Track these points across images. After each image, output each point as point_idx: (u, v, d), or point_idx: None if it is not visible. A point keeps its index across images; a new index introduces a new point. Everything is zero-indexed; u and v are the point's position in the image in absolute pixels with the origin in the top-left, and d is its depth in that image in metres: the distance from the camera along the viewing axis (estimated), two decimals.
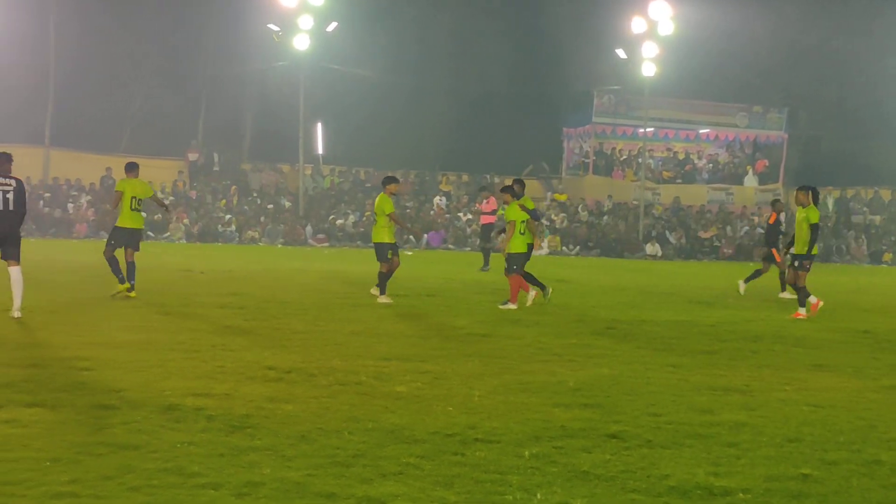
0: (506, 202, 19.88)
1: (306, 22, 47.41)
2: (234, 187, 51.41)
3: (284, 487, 6.71)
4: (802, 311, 19.00)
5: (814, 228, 18.93)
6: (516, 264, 19.28)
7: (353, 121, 53.73)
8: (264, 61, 52.16)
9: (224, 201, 50.29)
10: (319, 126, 53.00)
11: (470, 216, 49.09)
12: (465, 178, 55.55)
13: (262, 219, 48.42)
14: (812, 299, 19.18)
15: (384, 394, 9.89)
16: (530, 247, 19.94)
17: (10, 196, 15.70)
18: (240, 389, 9.82)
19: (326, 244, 45.99)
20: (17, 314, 15.09)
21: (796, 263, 19.15)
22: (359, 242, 46.04)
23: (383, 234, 19.87)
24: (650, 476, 7.31)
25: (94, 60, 53.82)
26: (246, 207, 49.77)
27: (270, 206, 49.60)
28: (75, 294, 18.82)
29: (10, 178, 15.94)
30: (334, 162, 54.79)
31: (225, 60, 54.72)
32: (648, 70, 49.92)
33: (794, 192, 19.95)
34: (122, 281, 18.65)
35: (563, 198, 53.99)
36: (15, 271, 15.55)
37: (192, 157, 53.72)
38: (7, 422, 8.15)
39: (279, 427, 8.31)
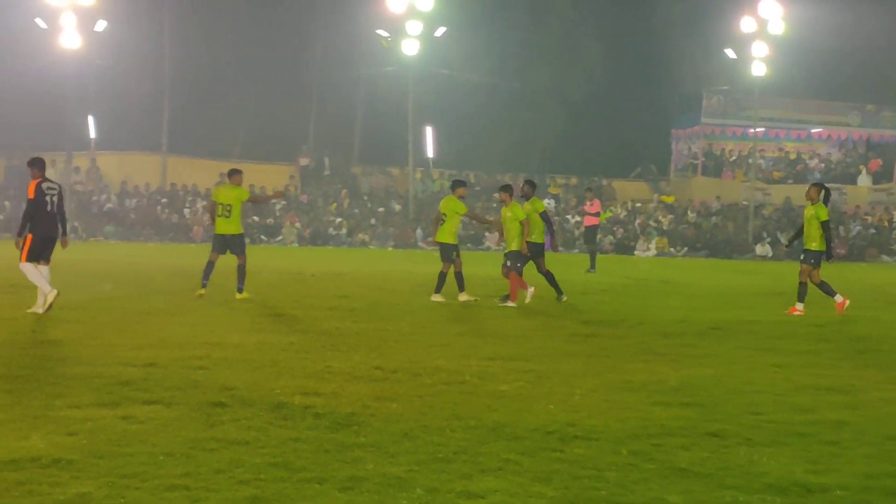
0: (503, 201, 20.35)
1: (415, 27, 47.81)
2: (344, 191, 52.04)
3: (387, 482, 6.91)
4: (800, 307, 18.90)
5: (824, 226, 18.98)
6: (518, 262, 19.77)
7: (461, 124, 53.99)
8: (374, 66, 52.70)
9: (335, 205, 50.93)
10: (429, 130, 53.36)
11: (578, 218, 49.03)
12: (573, 180, 55.52)
13: (373, 222, 48.93)
14: (838, 298, 19.07)
15: (487, 392, 10.06)
16: (537, 245, 20.22)
17: (56, 199, 16.50)
18: (347, 388, 10.07)
19: (436, 247, 46.29)
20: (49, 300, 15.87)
21: (813, 261, 19.07)
22: (469, 245, 46.26)
23: (448, 236, 20.44)
24: (748, 473, 7.37)
25: (208, 68, 54.92)
26: (356, 211, 50.34)
27: (381, 210, 50.11)
28: (191, 297, 19.30)
29: (54, 182, 16.79)
30: (444, 165, 55.11)
31: (335, 66, 55.39)
32: (758, 70, 49.43)
33: (807, 188, 19.94)
34: (203, 286, 19.25)
35: (670, 199, 53.68)
36: (45, 270, 16.38)
37: (304, 161, 54.50)
38: (124, 418, 8.49)
39: (383, 425, 8.52)
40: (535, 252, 20.26)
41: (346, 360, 11.80)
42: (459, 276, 20.10)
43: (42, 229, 16.36)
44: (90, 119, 51.26)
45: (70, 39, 46.90)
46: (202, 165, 53.76)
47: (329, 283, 23.46)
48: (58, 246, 16.72)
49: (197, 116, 55.13)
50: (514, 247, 19.78)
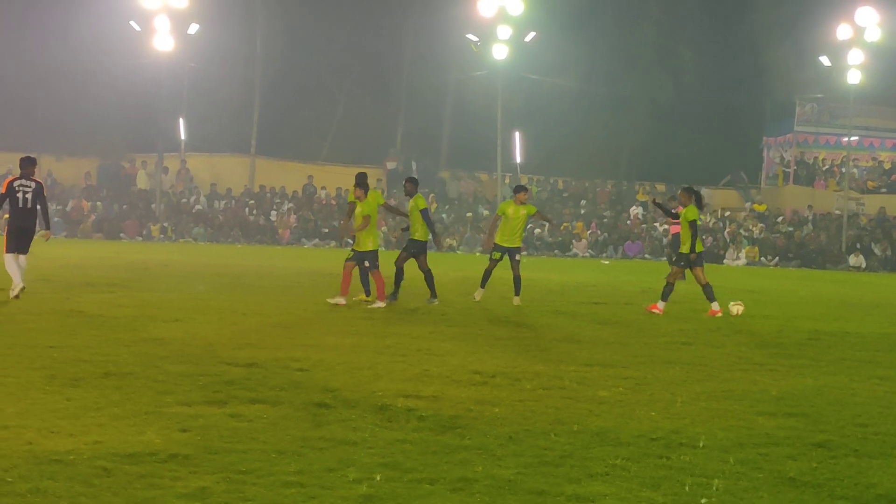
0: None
1: (504, 32, 47.83)
2: (431, 195, 52.18)
3: (497, 484, 6.97)
4: (661, 305, 19.27)
5: (692, 226, 19.21)
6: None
7: (550, 130, 53.87)
8: (463, 71, 52.79)
9: None
10: (517, 134, 53.35)
11: (666, 226, 48.78)
12: (660, 187, 55.20)
13: (460, 227, 49.02)
14: (715, 306, 19.26)
15: (588, 398, 10.08)
16: (420, 243, 20.39)
17: (29, 196, 18.05)
18: (447, 392, 10.14)
19: (524, 253, 46.25)
20: (15, 292, 17.39)
21: (683, 263, 19.49)
22: (556, 251, 46.22)
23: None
24: (858, 484, 7.32)
25: (298, 72, 55.43)
26: (444, 216, 50.47)
27: (469, 215, 50.18)
28: (283, 298, 19.52)
29: (32, 180, 18.19)
30: (532, 171, 55.05)
31: (424, 70, 55.56)
32: (854, 77, 48.72)
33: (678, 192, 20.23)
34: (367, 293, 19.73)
35: (762, 208, 53.14)
36: (22, 259, 18.02)
37: (391, 165, 54.74)
38: (233, 416, 8.64)
39: (488, 428, 8.58)
40: (418, 249, 20.30)
41: (444, 364, 11.87)
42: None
43: (13, 222, 18.16)
44: (181, 121, 51.98)
45: (163, 42, 47.60)
46: (290, 168, 54.29)
47: (420, 288, 23.51)
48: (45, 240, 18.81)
49: (286, 119, 55.67)
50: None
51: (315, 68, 56.09)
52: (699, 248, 19.43)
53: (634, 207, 51.77)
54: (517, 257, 21.14)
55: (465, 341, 14.14)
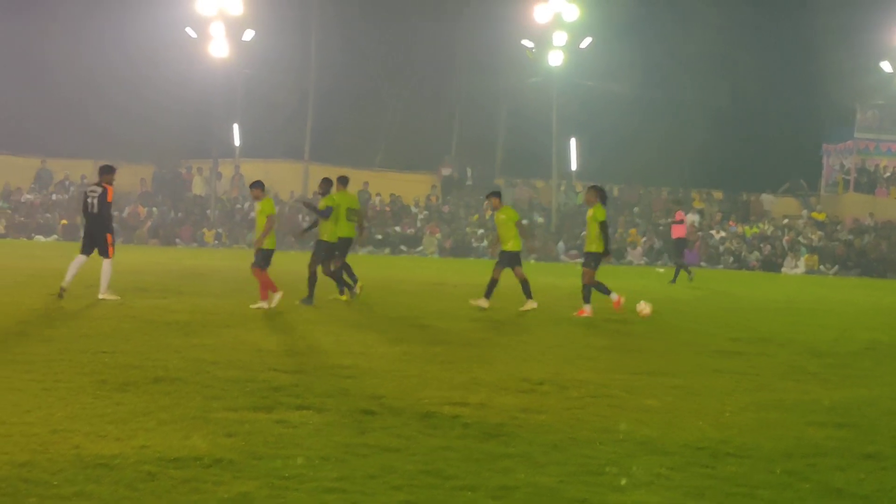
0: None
1: (560, 38, 47.74)
2: (486, 202, 52.14)
3: (538, 492, 6.95)
4: (587, 309, 19.21)
5: (602, 226, 19.33)
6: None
7: (606, 137, 53.74)
8: (518, 77, 52.74)
9: (476, 216, 51.07)
10: (572, 141, 53.23)
11: (723, 234, 48.48)
12: (717, 194, 54.83)
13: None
14: (613, 296, 19.49)
15: (635, 407, 10.03)
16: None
17: (95, 201, 18.61)
18: (494, 399, 10.12)
19: (578, 260, 46.13)
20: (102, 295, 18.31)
21: (593, 263, 19.50)
22: (611, 260, 45.96)
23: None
24: None
25: (352, 78, 55.66)
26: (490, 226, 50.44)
27: (524, 222, 50.09)
28: (333, 305, 19.59)
29: (101, 185, 18.78)
30: (587, 178, 54.85)
31: (479, 76, 55.57)
32: None
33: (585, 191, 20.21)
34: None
35: (821, 216, 52.60)
36: (105, 263, 18.74)
37: (446, 171, 54.80)
38: (279, 422, 8.68)
39: (532, 435, 8.56)
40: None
41: (492, 372, 11.85)
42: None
43: (85, 226, 19.27)
44: (235, 127, 52.34)
45: (218, 48, 47.97)
46: (344, 174, 54.42)
47: (471, 295, 23.51)
48: None
49: (340, 125, 55.91)
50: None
51: (369, 74, 56.30)
52: (601, 248, 19.53)
53: (691, 215, 51.37)
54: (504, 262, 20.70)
55: (514, 349, 14.12)
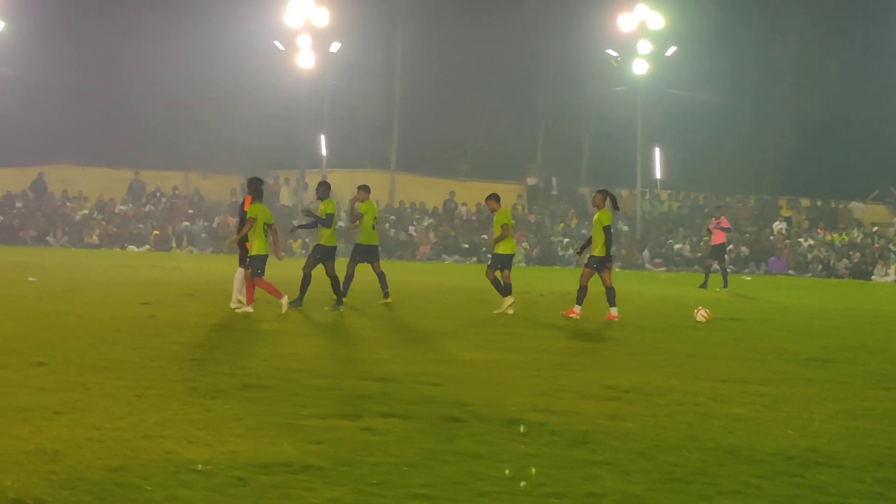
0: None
1: (645, 47, 47.56)
2: (571, 211, 52.07)
3: (625, 500, 6.94)
4: (614, 312, 19.36)
5: (606, 231, 19.45)
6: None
7: (690, 145, 53.36)
8: (602, 86, 52.61)
9: (562, 225, 51.02)
10: (657, 150, 52.93)
11: (811, 241, 47.85)
12: (805, 202, 54.15)
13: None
14: (613, 311, 19.39)
15: (722, 415, 9.95)
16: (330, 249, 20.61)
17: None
18: (580, 406, 10.11)
19: (664, 268, 45.89)
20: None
21: (595, 266, 19.56)
22: (696, 267, 45.64)
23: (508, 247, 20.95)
24: None
25: (438, 87, 55.87)
26: (584, 231, 50.29)
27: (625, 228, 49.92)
28: (419, 314, 19.68)
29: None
30: (672, 186, 54.56)
31: (563, 86, 55.50)
32: None
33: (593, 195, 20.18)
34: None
35: None
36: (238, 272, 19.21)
37: (531, 181, 54.82)
38: (366, 429, 8.75)
39: (619, 443, 8.53)
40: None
41: (578, 379, 11.84)
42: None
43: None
44: (322, 137, 52.79)
45: (305, 60, 48.47)
46: (430, 183, 54.70)
47: (557, 303, 23.52)
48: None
49: (426, 135, 56.14)
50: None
51: (455, 84, 56.46)
52: (602, 252, 19.61)
53: (778, 223, 50.82)
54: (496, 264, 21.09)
55: (600, 356, 14.10)
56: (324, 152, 53.18)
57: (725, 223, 32.25)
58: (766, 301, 26.60)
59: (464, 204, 52.94)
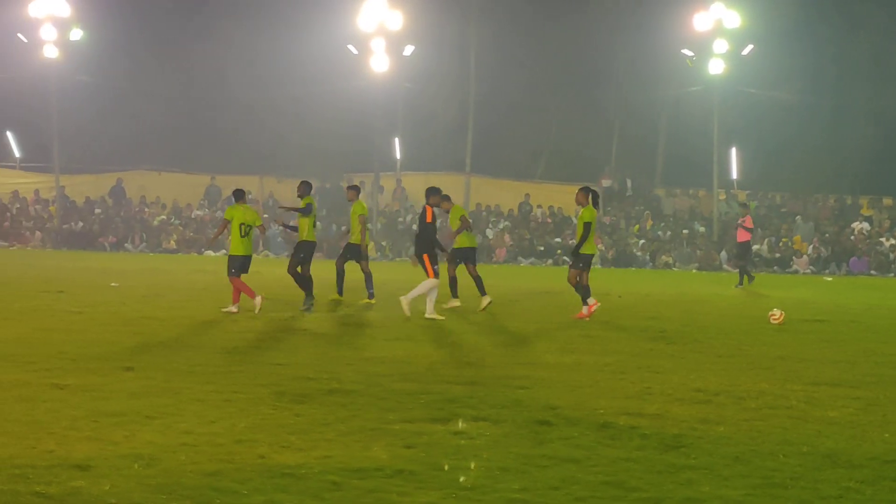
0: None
1: (721, 46, 47.11)
2: (647, 212, 51.72)
3: None
4: (585, 311, 19.25)
5: (585, 227, 19.45)
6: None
7: (768, 144, 52.66)
8: (678, 86, 52.20)
9: (637, 226, 50.69)
10: (733, 150, 52.39)
11: (894, 241, 47.10)
12: (887, 201, 53.28)
13: (676, 244, 48.44)
14: (590, 301, 19.35)
15: (816, 418, 9.78)
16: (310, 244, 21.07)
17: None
18: (670, 410, 10.00)
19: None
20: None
21: (581, 264, 19.61)
22: (775, 268, 45.16)
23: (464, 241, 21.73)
24: None
25: (511, 90, 55.78)
26: (659, 233, 49.96)
27: (685, 232, 49.54)
28: (500, 316, 19.62)
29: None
30: (749, 186, 53.91)
31: (638, 86, 55.12)
32: None
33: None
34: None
35: None
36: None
37: (606, 182, 54.48)
38: (456, 433, 8.71)
39: (713, 447, 8.42)
40: (310, 251, 20.85)
41: (665, 382, 11.72)
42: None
43: None
44: (396, 140, 52.90)
45: (379, 63, 48.60)
46: (505, 186, 54.57)
47: (637, 305, 23.37)
48: None
49: (500, 137, 56.02)
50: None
51: (529, 86, 56.33)
52: (591, 250, 19.71)
53: (859, 222, 50.04)
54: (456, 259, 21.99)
55: (685, 359, 13.93)
56: (398, 155, 53.28)
57: (749, 223, 32.15)
58: (850, 302, 26.18)
59: (539, 206, 52.77)
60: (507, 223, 51.35)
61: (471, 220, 22.50)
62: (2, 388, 10.35)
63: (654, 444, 8.49)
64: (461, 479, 7.29)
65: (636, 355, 14.19)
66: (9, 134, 55.08)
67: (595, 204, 19.79)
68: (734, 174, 52.92)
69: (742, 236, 32.20)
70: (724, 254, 46.72)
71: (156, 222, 52.09)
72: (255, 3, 53.72)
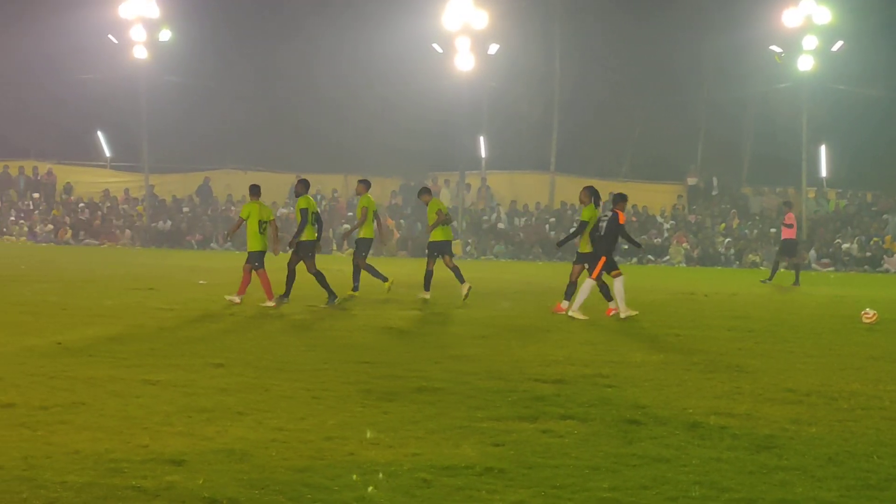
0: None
1: (810, 42, 46.44)
2: (733, 211, 51.19)
3: None
4: (613, 306, 19.27)
5: (580, 225, 19.86)
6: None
7: (857, 142, 51.82)
8: (765, 83, 51.56)
9: (723, 225, 50.20)
10: (822, 148, 51.65)
11: None
12: None
13: (763, 243, 47.88)
14: (612, 304, 19.33)
15: None
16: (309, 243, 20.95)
17: (604, 224, 18.98)
18: (760, 410, 9.89)
19: (831, 269, 44.75)
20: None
21: (582, 261, 19.80)
22: (866, 267, 44.47)
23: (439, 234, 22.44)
24: None
25: (596, 88, 55.48)
26: (746, 231, 49.43)
27: (772, 230, 48.95)
28: (587, 315, 19.53)
29: (612, 211, 19.14)
30: (838, 185, 53.13)
31: (725, 83, 54.55)
32: None
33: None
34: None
35: None
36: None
37: (691, 181, 54.03)
38: (544, 431, 8.70)
39: (805, 448, 8.31)
40: (308, 248, 20.80)
41: (755, 382, 11.59)
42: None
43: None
44: (481, 139, 52.89)
45: (464, 62, 48.61)
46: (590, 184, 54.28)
47: (724, 304, 23.15)
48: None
49: (585, 135, 55.75)
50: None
51: (614, 84, 55.99)
52: (585, 248, 19.74)
53: None
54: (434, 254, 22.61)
55: (775, 358, 13.76)
56: (483, 154, 53.26)
57: (789, 219, 32.13)
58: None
59: None
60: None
61: (449, 214, 23.10)
62: (96, 383, 10.52)
63: (745, 445, 8.41)
64: (550, 477, 7.28)
65: (724, 354, 14.05)
66: (99, 134, 55.93)
67: (597, 204, 20.07)
68: (823, 172, 52.19)
69: (786, 233, 32.37)
70: (813, 252, 46.10)
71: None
72: (341, 2, 53.99)
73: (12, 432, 8.27)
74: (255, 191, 20.95)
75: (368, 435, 8.39)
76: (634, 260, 46.61)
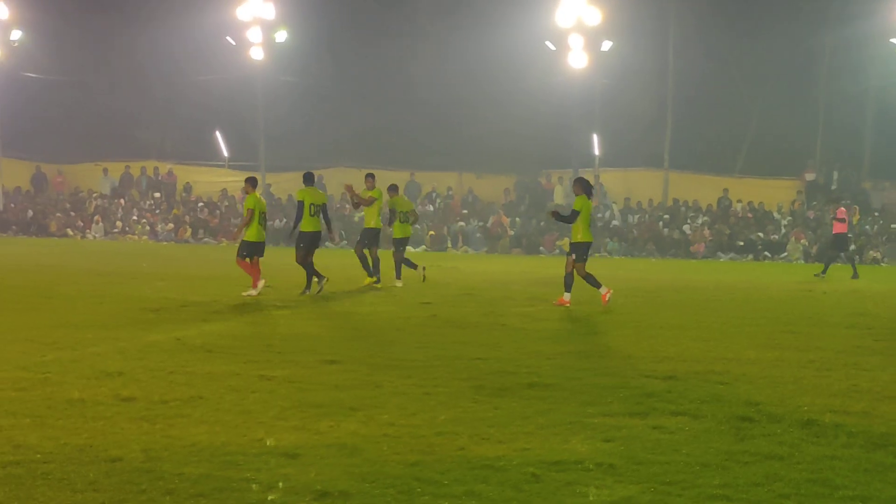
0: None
1: None
2: (855, 207, 50.24)
3: None
4: (566, 297, 19.64)
5: (572, 213, 19.82)
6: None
7: None
8: (886, 76, 50.54)
9: None
10: None
11: None
12: None
13: (885, 239, 46.94)
14: (602, 290, 19.69)
15: None
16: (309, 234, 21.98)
17: None
18: (878, 408, 9.74)
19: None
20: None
21: (574, 254, 19.96)
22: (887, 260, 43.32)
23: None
24: None
25: (711, 84, 54.90)
26: (867, 227, 48.49)
27: (894, 226, 47.97)
28: (700, 312, 19.36)
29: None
30: None
31: (844, 76, 53.56)
32: None
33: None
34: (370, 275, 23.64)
35: None
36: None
37: (809, 176, 53.15)
38: (655, 427, 8.67)
39: None
40: (312, 241, 21.94)
41: (873, 380, 11.40)
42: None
43: None
44: (594, 136, 52.65)
45: (577, 59, 48.46)
46: (704, 181, 53.71)
47: (843, 301, 22.74)
48: None
49: (699, 132, 55.19)
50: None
51: (729, 79, 55.36)
52: (587, 237, 19.97)
53: None
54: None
55: (894, 356, 13.51)
56: (596, 151, 53.02)
57: (840, 214, 32.20)
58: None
59: (739, 201, 51.80)
60: (705, 218, 50.58)
61: (382, 203, 25.02)
62: (214, 378, 10.74)
63: (860, 443, 8.29)
64: (660, 473, 7.26)
65: (841, 352, 13.82)
66: (217, 134, 56.88)
67: (589, 194, 20.15)
68: None
69: (837, 228, 32.33)
70: None
71: (356, 219, 53.01)
72: (456, 1, 54.16)
73: (133, 425, 8.49)
74: (253, 182, 21.97)
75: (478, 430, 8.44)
76: (750, 257, 46.03)
